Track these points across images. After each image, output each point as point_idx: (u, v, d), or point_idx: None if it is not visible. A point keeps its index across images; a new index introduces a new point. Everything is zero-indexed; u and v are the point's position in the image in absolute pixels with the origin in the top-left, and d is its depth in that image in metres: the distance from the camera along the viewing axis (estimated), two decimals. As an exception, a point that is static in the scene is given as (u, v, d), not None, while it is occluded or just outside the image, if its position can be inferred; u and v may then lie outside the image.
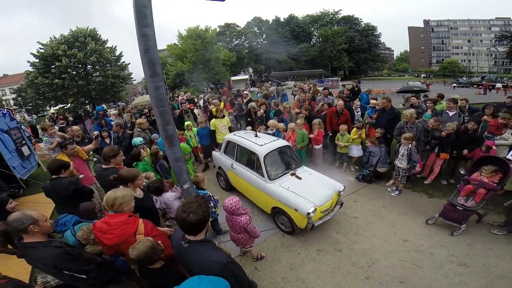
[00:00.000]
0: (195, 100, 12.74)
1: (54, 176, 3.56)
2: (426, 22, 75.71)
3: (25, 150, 7.98)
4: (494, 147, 4.65)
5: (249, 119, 7.79)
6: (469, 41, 68.98)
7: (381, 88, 26.99)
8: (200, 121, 7.10)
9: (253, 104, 8.28)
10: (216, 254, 1.82)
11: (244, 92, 12.04)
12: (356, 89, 10.23)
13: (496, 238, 3.97)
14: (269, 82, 22.53)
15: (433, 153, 5.66)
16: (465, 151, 5.14)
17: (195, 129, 7.17)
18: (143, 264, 2.04)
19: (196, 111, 9.72)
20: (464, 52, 69.21)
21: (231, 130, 7.38)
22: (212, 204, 3.91)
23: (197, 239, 1.85)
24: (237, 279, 1.75)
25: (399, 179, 5.35)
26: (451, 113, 5.95)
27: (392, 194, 5.48)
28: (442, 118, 5.87)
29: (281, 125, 6.48)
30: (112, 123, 7.21)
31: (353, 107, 7.78)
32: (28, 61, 23.56)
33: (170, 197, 3.77)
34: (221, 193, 5.96)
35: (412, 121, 5.48)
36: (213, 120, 7.14)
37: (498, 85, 28.53)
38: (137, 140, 5.16)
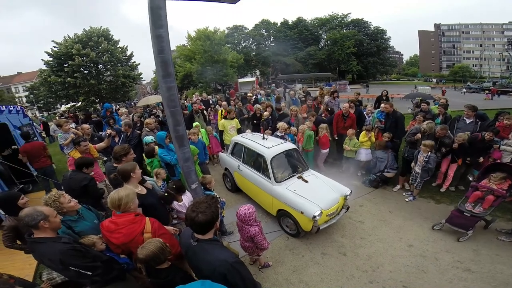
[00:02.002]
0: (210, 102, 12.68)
1: (75, 169, 3.74)
2: (437, 26, 74.42)
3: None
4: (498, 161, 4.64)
5: (254, 121, 7.83)
6: (481, 45, 67.52)
7: (390, 93, 26.64)
8: (191, 132, 5.75)
9: (258, 106, 8.32)
10: (223, 253, 1.86)
11: (248, 94, 12.05)
12: (385, 98, 9.22)
13: (503, 244, 3.95)
14: (273, 85, 22.29)
15: (446, 159, 5.54)
16: (481, 159, 5.07)
17: (203, 130, 7.21)
18: (151, 264, 2.05)
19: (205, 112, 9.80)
20: (476, 56, 67.74)
21: (239, 132, 7.43)
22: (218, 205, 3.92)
23: (205, 238, 1.90)
24: (243, 278, 1.79)
25: (415, 185, 5.31)
26: (468, 120, 5.81)
27: (406, 200, 5.46)
28: (458, 125, 5.83)
29: (292, 128, 6.51)
30: (121, 122, 7.34)
31: (365, 112, 7.74)
32: (42, 60, 24.13)
33: (181, 208, 3.61)
34: (227, 194, 6.02)
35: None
36: (222, 121, 7.22)
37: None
38: (148, 138, 5.28)
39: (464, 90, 34.26)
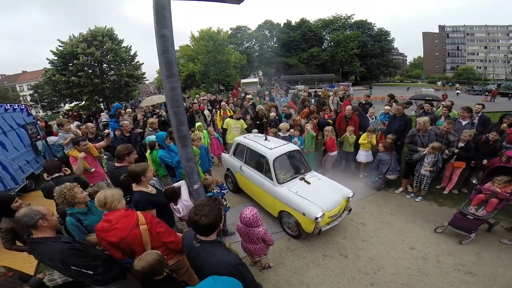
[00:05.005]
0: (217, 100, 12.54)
1: (56, 175, 3.73)
2: (442, 27, 74.01)
3: (39, 145, 8.25)
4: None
5: (257, 122, 7.81)
6: (485, 47, 67.04)
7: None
8: (193, 138, 5.03)
9: (261, 106, 8.30)
10: (226, 255, 1.86)
11: (247, 96, 12.00)
12: (392, 101, 8.56)
13: (505, 247, 3.94)
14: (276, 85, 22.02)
15: (450, 162, 5.49)
16: (485, 161, 5.00)
17: (205, 131, 7.20)
18: (147, 277, 2.00)
19: (206, 112, 9.80)
20: (480, 58, 67.30)
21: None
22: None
23: (209, 240, 1.90)
24: (245, 280, 1.78)
25: (422, 187, 5.33)
26: (464, 122, 5.83)
27: (416, 200, 5.48)
28: (454, 127, 5.79)
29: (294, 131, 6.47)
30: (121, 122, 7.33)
31: (368, 114, 7.66)
32: (47, 59, 24.25)
33: (175, 211, 3.50)
34: (229, 194, 6.01)
35: (425, 129, 5.37)
36: (228, 119, 7.23)
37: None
38: (151, 137, 5.31)
39: (458, 91, 33.54)
